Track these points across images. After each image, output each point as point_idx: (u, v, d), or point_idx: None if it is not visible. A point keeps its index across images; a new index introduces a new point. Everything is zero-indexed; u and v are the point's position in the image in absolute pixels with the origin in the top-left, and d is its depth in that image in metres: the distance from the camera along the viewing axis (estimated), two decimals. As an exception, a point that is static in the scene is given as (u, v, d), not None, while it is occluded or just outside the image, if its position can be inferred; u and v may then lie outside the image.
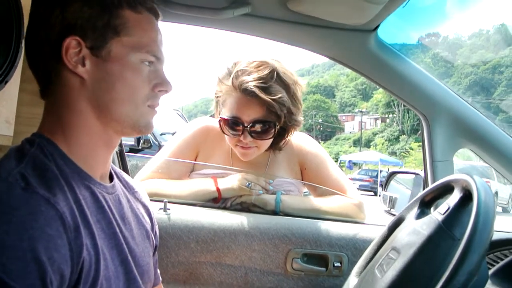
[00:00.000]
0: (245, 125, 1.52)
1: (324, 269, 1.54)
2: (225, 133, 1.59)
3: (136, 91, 0.93)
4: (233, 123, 1.54)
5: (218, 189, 1.60)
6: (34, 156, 0.83)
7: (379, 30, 1.43)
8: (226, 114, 1.55)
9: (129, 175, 1.35)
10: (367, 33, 1.42)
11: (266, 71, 1.49)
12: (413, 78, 1.49)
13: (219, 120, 1.58)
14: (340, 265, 1.53)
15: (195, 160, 1.72)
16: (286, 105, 1.50)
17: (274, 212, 1.60)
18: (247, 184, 1.60)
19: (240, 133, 1.54)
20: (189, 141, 1.72)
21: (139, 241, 1.02)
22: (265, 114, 1.49)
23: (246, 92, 1.47)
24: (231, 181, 1.61)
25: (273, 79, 1.49)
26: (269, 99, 1.46)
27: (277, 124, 1.53)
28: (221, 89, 1.56)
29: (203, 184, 1.64)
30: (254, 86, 1.45)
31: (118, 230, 0.93)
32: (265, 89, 1.46)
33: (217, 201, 1.62)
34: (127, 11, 0.92)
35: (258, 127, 1.52)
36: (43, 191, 0.76)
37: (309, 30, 1.44)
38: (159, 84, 0.96)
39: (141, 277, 0.99)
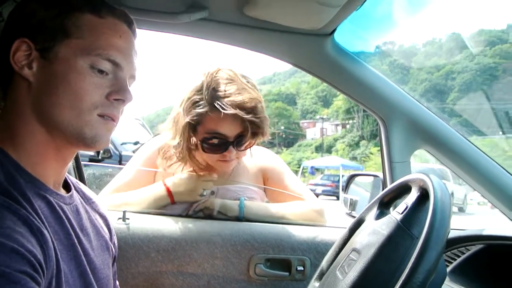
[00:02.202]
0: (230, 140, 1.48)
1: (287, 273, 1.53)
2: (206, 152, 1.52)
3: (80, 96, 0.85)
4: (216, 140, 1.49)
5: (169, 193, 1.57)
6: None
7: (336, 35, 1.45)
8: (205, 132, 1.48)
9: (85, 185, 1.31)
10: (324, 37, 1.43)
11: (239, 83, 1.46)
12: (370, 81, 1.51)
13: (199, 140, 1.50)
14: (303, 269, 1.53)
15: (154, 180, 1.68)
16: (265, 117, 1.48)
17: (237, 218, 1.59)
18: (203, 192, 1.58)
19: (225, 148, 1.49)
20: (147, 163, 1.69)
21: (98, 252, 0.99)
22: (248, 125, 1.45)
23: (227, 109, 1.40)
24: (184, 186, 1.58)
25: (248, 92, 1.46)
26: (249, 105, 1.43)
27: (259, 132, 1.50)
28: (197, 104, 1.46)
29: (154, 189, 1.60)
30: (235, 101, 1.41)
31: (76, 242, 0.88)
32: (243, 99, 1.42)
33: (172, 203, 1.59)
34: (88, 15, 0.89)
35: (242, 140, 1.49)
36: (1, 199, 0.73)
37: (266, 35, 1.43)
38: (114, 92, 0.89)
39: None
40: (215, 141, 1.49)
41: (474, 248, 1.37)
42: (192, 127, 1.49)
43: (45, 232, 0.76)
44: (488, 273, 1.33)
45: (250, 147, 1.57)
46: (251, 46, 1.50)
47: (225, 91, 1.44)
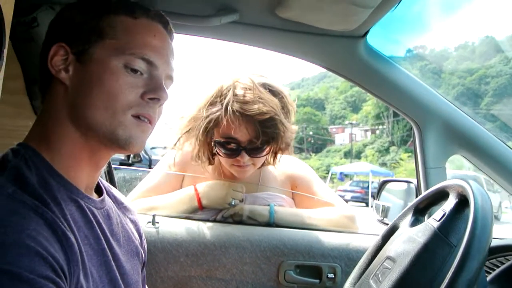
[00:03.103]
0: (242, 145, 1.49)
1: (317, 280, 1.51)
2: (221, 155, 1.55)
3: (114, 96, 0.84)
4: (228, 145, 1.51)
5: (198, 199, 1.58)
6: (16, 167, 0.78)
7: (368, 38, 1.42)
8: (219, 135, 1.51)
9: (116, 188, 1.32)
10: (357, 39, 1.40)
11: (258, 89, 1.46)
12: (404, 84, 1.48)
13: (214, 143, 1.53)
14: (333, 276, 1.50)
15: (181, 186, 1.69)
16: (281, 121, 1.47)
17: (267, 224, 1.57)
18: (232, 202, 1.58)
19: (237, 153, 1.51)
20: (171, 173, 1.70)
21: (128, 258, 0.98)
22: (262, 130, 1.46)
23: (241, 115, 1.43)
24: (214, 193, 1.59)
25: (266, 95, 1.46)
26: (264, 117, 1.43)
27: (271, 141, 1.50)
28: (213, 107, 1.49)
29: (183, 194, 1.62)
30: (248, 107, 1.42)
31: (107, 247, 0.88)
32: (259, 108, 1.43)
33: (200, 209, 1.59)
34: (122, 16, 0.89)
35: (256, 145, 1.48)
36: (29, 201, 0.73)
37: (298, 37, 1.42)
38: (149, 91, 0.88)
39: None
40: (228, 145, 1.51)
41: (514, 258, 1.31)
42: (209, 130, 1.50)
43: (71, 236, 0.75)
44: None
45: (266, 155, 1.56)
46: (282, 48, 1.49)
47: (240, 98, 1.45)
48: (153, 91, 0.88)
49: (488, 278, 1.30)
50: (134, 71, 0.87)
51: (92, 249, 0.83)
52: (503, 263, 1.33)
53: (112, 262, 0.89)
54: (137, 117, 0.87)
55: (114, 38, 0.87)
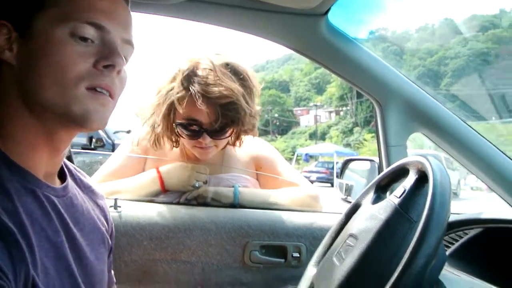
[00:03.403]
0: (204, 127, 1.47)
1: (282, 260, 1.52)
2: (182, 137, 1.53)
3: (62, 69, 0.76)
4: (190, 125, 1.48)
5: (161, 181, 1.56)
6: None
7: (330, 17, 1.41)
8: (181, 117, 1.48)
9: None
10: (318, 17, 1.38)
11: (220, 68, 1.44)
12: (366, 63, 1.48)
13: (176, 124, 1.50)
14: (298, 255, 1.52)
15: (144, 169, 1.65)
16: (242, 105, 1.45)
17: (232, 205, 1.56)
18: (196, 184, 1.56)
19: (199, 135, 1.48)
20: (136, 150, 1.66)
21: (93, 247, 0.93)
22: (222, 112, 1.43)
23: (202, 96, 1.40)
24: (177, 175, 1.57)
25: (228, 78, 1.44)
26: (224, 101, 1.41)
27: (232, 124, 1.49)
28: (173, 88, 1.47)
29: (146, 177, 1.59)
30: (209, 89, 1.39)
31: (66, 238, 0.82)
32: (220, 94, 1.40)
33: (163, 191, 1.57)
34: None
35: (216, 127, 1.46)
36: None
37: (258, 15, 1.39)
38: (102, 58, 0.79)
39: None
40: (189, 127, 1.48)
41: (472, 232, 1.35)
42: (169, 110, 1.48)
43: (16, 232, 0.69)
44: (487, 257, 1.32)
45: (229, 137, 1.55)
46: (243, 27, 1.46)
47: (201, 79, 1.41)
48: (106, 58, 0.79)
49: (447, 252, 1.34)
50: (83, 39, 0.78)
51: (49, 242, 0.77)
52: (462, 237, 1.38)
53: (73, 254, 0.84)
54: (92, 89, 0.79)
55: (55, 5, 0.78)
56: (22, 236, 0.70)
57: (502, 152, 1.51)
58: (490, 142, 1.51)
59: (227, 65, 1.47)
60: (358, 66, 1.48)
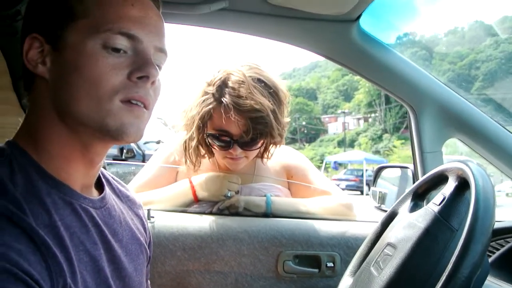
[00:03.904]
0: (234, 138, 1.48)
1: (316, 270, 1.49)
2: (213, 148, 1.54)
3: (96, 83, 0.74)
4: (220, 137, 1.49)
5: (194, 192, 1.57)
6: None
7: (361, 22, 1.39)
8: (213, 128, 1.50)
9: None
10: (349, 23, 1.37)
11: (251, 80, 1.44)
12: (398, 68, 1.45)
13: (207, 135, 1.52)
14: (333, 265, 1.49)
15: (176, 179, 1.67)
16: (271, 120, 1.45)
17: (264, 215, 1.55)
18: (228, 193, 1.56)
19: (229, 146, 1.49)
20: (168, 161, 1.68)
21: (132, 258, 0.92)
22: (252, 126, 1.44)
23: (233, 108, 1.41)
24: (209, 185, 1.57)
25: (259, 90, 1.44)
26: (255, 115, 1.42)
27: (262, 136, 1.49)
28: (205, 100, 1.48)
29: (178, 187, 1.60)
30: (240, 102, 1.40)
31: (105, 250, 0.82)
32: (251, 104, 1.41)
33: (195, 201, 1.58)
34: None
35: (247, 139, 1.47)
36: (3, 209, 0.66)
37: (289, 23, 1.39)
38: (136, 70, 0.77)
39: None
40: (220, 138, 1.49)
41: (514, 240, 1.30)
42: (202, 122, 1.49)
43: (54, 245, 0.69)
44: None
45: (258, 148, 1.55)
46: (274, 35, 1.46)
47: (233, 91, 1.42)
48: (140, 69, 0.77)
49: (489, 260, 1.30)
50: (116, 50, 0.76)
51: (87, 255, 0.77)
52: (503, 246, 1.33)
53: (111, 266, 0.83)
54: (127, 101, 0.77)
55: (86, 16, 0.76)
56: (60, 250, 0.70)
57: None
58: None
59: (258, 78, 1.47)
60: (391, 71, 1.45)
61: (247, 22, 1.40)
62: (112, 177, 1.01)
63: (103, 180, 0.94)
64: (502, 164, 1.49)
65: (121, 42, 0.77)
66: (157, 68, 0.80)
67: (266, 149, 1.60)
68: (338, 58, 1.48)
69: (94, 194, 0.88)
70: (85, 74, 0.75)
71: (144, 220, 1.05)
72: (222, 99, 1.42)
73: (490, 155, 1.50)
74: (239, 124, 1.44)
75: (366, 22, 1.40)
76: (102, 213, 0.86)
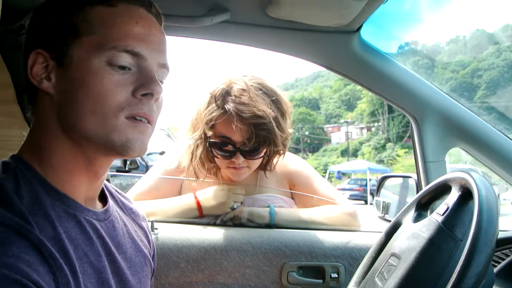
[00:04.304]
0: (237, 146, 1.48)
1: (321, 281, 1.49)
2: (215, 156, 1.53)
3: (102, 100, 0.76)
4: (223, 145, 1.49)
5: (199, 207, 1.56)
6: (1, 184, 0.72)
7: (362, 32, 1.40)
8: (215, 136, 1.49)
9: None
10: (350, 34, 1.38)
11: (254, 90, 1.45)
12: (400, 78, 1.46)
13: (209, 143, 1.51)
14: (337, 276, 1.48)
15: (180, 189, 1.67)
16: (274, 127, 1.46)
17: (268, 226, 1.55)
18: (234, 205, 1.56)
19: (232, 154, 1.49)
20: (172, 172, 1.67)
21: (136, 270, 0.92)
22: (255, 132, 1.44)
23: (236, 115, 1.42)
24: (215, 199, 1.56)
25: (261, 98, 1.45)
26: (257, 121, 1.42)
27: (264, 144, 1.49)
28: (208, 109, 1.49)
29: (183, 201, 1.59)
30: (243, 108, 1.41)
31: (109, 263, 0.82)
32: (253, 114, 1.42)
33: (201, 217, 1.57)
34: (98, 6, 0.79)
35: (249, 147, 1.47)
36: (11, 222, 0.67)
37: (290, 35, 1.40)
38: (140, 87, 0.78)
39: None
40: (223, 146, 1.49)
41: (520, 250, 1.29)
42: (206, 130, 1.49)
43: (60, 257, 0.70)
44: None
45: (261, 157, 1.55)
46: (275, 47, 1.47)
47: (235, 98, 1.43)
48: (145, 86, 0.79)
49: (494, 270, 1.29)
50: (121, 67, 0.78)
51: (91, 267, 0.78)
52: (508, 256, 1.32)
53: (115, 278, 0.84)
54: (132, 118, 0.79)
55: (91, 33, 0.78)
56: (65, 262, 0.71)
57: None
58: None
59: (260, 87, 1.48)
60: (392, 81, 1.46)
61: (249, 34, 1.41)
62: (115, 190, 1.02)
63: (106, 192, 0.95)
64: (505, 173, 1.49)
65: (126, 60, 0.78)
66: (161, 84, 0.82)
67: (269, 161, 1.60)
68: (339, 69, 1.49)
69: (98, 206, 0.89)
70: (91, 91, 0.76)
71: (148, 232, 1.06)
72: (225, 106, 1.43)
73: (493, 164, 1.50)
74: (241, 131, 1.44)
75: (367, 32, 1.41)
76: (106, 225, 0.86)
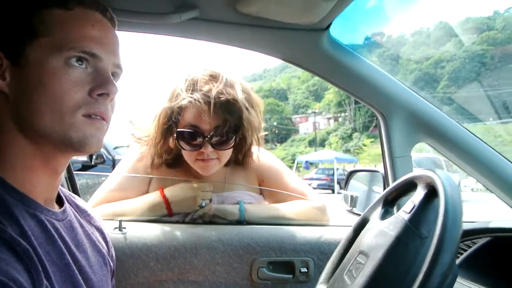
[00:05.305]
0: (205, 135, 1.45)
1: (290, 276, 1.50)
2: (183, 148, 1.50)
3: (59, 99, 0.78)
4: (192, 135, 1.46)
5: (167, 205, 1.53)
6: None
7: (331, 29, 1.41)
8: (183, 126, 1.47)
9: (79, 196, 1.26)
10: (320, 32, 1.38)
11: (222, 80, 1.44)
12: (368, 75, 1.47)
13: (177, 134, 1.48)
14: (306, 270, 1.50)
15: (149, 187, 1.63)
16: (244, 111, 1.44)
17: (238, 222, 1.55)
18: (202, 203, 1.54)
19: (201, 145, 1.46)
20: (139, 168, 1.63)
21: (96, 269, 0.93)
22: (224, 118, 1.42)
23: (204, 102, 1.39)
24: (183, 196, 1.54)
25: (227, 88, 1.44)
26: (226, 104, 1.40)
27: (237, 132, 1.47)
28: (176, 99, 1.47)
29: (150, 199, 1.56)
30: (211, 95, 1.39)
31: (71, 261, 0.83)
32: (222, 98, 1.40)
33: (170, 215, 1.55)
34: (55, 9, 0.82)
35: (218, 137, 1.45)
36: None
37: (260, 32, 1.39)
38: (97, 87, 0.82)
39: None
40: (190, 136, 1.46)
41: (480, 241, 1.34)
42: (172, 122, 1.47)
43: (33, 255, 0.71)
44: (496, 265, 1.31)
45: (231, 147, 1.51)
46: (245, 44, 1.46)
47: (205, 86, 1.42)
48: (101, 86, 0.83)
49: (457, 262, 1.33)
50: (78, 68, 0.81)
51: (55, 265, 0.78)
52: (470, 247, 1.37)
53: (79, 276, 0.84)
54: (88, 116, 0.82)
55: (48, 35, 0.80)
56: (38, 259, 0.72)
57: (501, 155, 1.51)
58: (490, 146, 1.51)
59: (229, 78, 1.47)
60: (361, 78, 1.47)
61: (218, 32, 1.39)
62: (69, 193, 1.04)
63: (62, 195, 0.96)
64: (465, 165, 1.54)
65: (83, 61, 0.82)
66: (116, 85, 0.85)
67: (242, 154, 1.59)
68: (309, 66, 1.49)
69: (56, 207, 0.90)
70: (49, 90, 0.78)
71: (104, 233, 1.07)
72: (194, 94, 1.41)
73: (455, 157, 1.54)
74: (210, 119, 1.42)
75: (336, 29, 1.41)
76: (65, 225, 0.88)
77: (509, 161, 1.52)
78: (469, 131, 1.54)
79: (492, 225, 1.34)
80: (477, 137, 1.52)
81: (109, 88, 0.83)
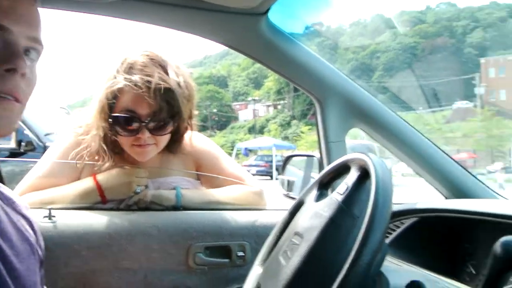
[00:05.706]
0: (143, 120, 1.40)
1: (227, 260, 1.50)
2: (118, 133, 1.44)
3: None
4: (128, 120, 1.40)
5: (100, 191, 1.48)
6: None
7: (270, 15, 1.40)
8: (119, 110, 1.40)
9: (4, 184, 1.18)
10: (258, 16, 1.37)
11: (159, 64, 1.40)
12: (305, 62, 1.49)
13: (111, 120, 1.42)
14: (243, 254, 1.51)
15: (81, 173, 1.55)
16: (180, 96, 1.41)
17: (174, 208, 1.52)
18: (137, 189, 1.49)
19: (138, 130, 1.41)
20: (68, 153, 1.54)
21: (23, 258, 0.88)
22: (163, 106, 1.38)
23: (142, 86, 1.34)
24: (116, 182, 1.49)
25: (166, 72, 1.39)
26: (164, 89, 1.36)
27: (175, 116, 1.43)
28: (111, 82, 1.40)
29: (82, 186, 1.50)
30: (148, 79, 1.34)
31: None
32: (162, 83, 1.35)
33: (104, 202, 1.49)
34: None
35: (156, 122, 1.40)
36: None
37: (197, 15, 1.36)
38: (2, 61, 0.73)
39: None
40: (127, 121, 1.41)
41: (408, 222, 1.41)
42: (108, 106, 1.41)
43: None
44: (423, 244, 1.37)
45: (169, 133, 1.48)
46: (182, 26, 1.42)
47: (141, 69, 1.37)
48: (7, 61, 0.74)
49: (387, 241, 1.39)
50: None
51: None
52: (399, 227, 1.43)
53: (1, 266, 0.79)
54: None
55: None
56: None
57: (430, 141, 1.59)
58: (420, 133, 1.58)
59: (166, 61, 1.42)
60: (298, 64, 1.49)
61: (152, 12, 1.34)
62: None
63: None
64: (398, 151, 1.60)
65: None
66: (28, 59, 0.77)
67: (176, 139, 1.55)
68: (247, 51, 1.49)
69: None
70: None
71: (32, 221, 1.01)
72: (131, 77, 1.35)
73: (387, 142, 1.60)
74: (148, 104, 1.37)
75: (274, 15, 1.41)
76: None
77: (438, 147, 1.60)
78: (402, 118, 1.60)
79: (419, 206, 1.40)
80: (409, 124, 1.59)
81: (16, 63, 0.74)
